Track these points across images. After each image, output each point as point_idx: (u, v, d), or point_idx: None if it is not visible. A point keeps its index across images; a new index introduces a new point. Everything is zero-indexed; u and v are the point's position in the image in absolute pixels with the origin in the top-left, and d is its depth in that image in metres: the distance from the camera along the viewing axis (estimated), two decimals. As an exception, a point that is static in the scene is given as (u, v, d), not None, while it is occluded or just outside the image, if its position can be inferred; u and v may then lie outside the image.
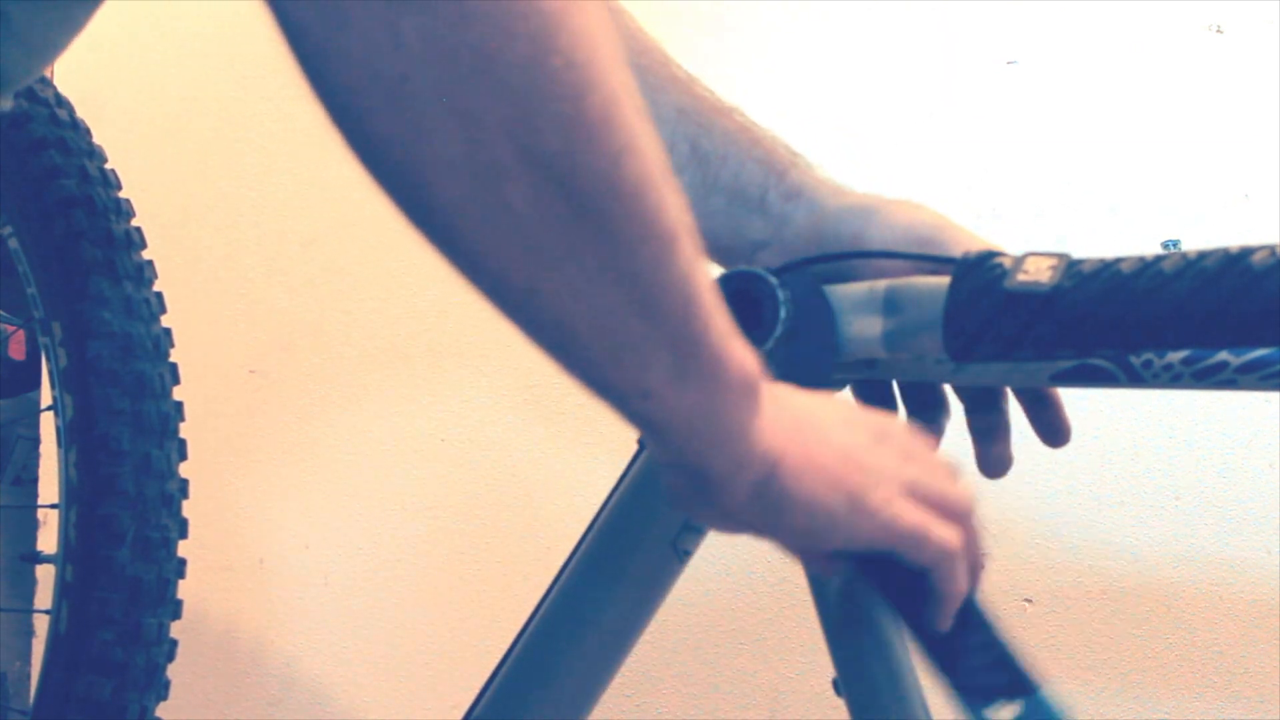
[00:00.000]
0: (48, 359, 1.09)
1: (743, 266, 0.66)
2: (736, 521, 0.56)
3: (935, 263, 0.65)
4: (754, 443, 0.52)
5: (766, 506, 0.54)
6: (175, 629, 1.12)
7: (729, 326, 0.50)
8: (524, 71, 0.40)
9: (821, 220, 0.70)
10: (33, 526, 1.54)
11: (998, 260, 0.61)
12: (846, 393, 0.73)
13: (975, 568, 0.61)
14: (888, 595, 0.62)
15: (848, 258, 0.69)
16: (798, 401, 0.56)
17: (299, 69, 0.41)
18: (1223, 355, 0.59)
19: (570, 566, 0.73)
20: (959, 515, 0.59)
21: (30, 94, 1.15)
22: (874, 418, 0.61)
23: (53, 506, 1.12)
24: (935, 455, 0.61)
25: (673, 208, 0.46)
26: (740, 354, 0.51)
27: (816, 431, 0.55)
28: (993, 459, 0.71)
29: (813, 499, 0.54)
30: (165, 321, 1.14)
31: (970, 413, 0.71)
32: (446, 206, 0.42)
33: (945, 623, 0.60)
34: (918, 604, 0.60)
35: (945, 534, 0.57)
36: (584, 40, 0.40)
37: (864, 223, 0.69)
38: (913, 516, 0.57)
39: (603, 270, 0.45)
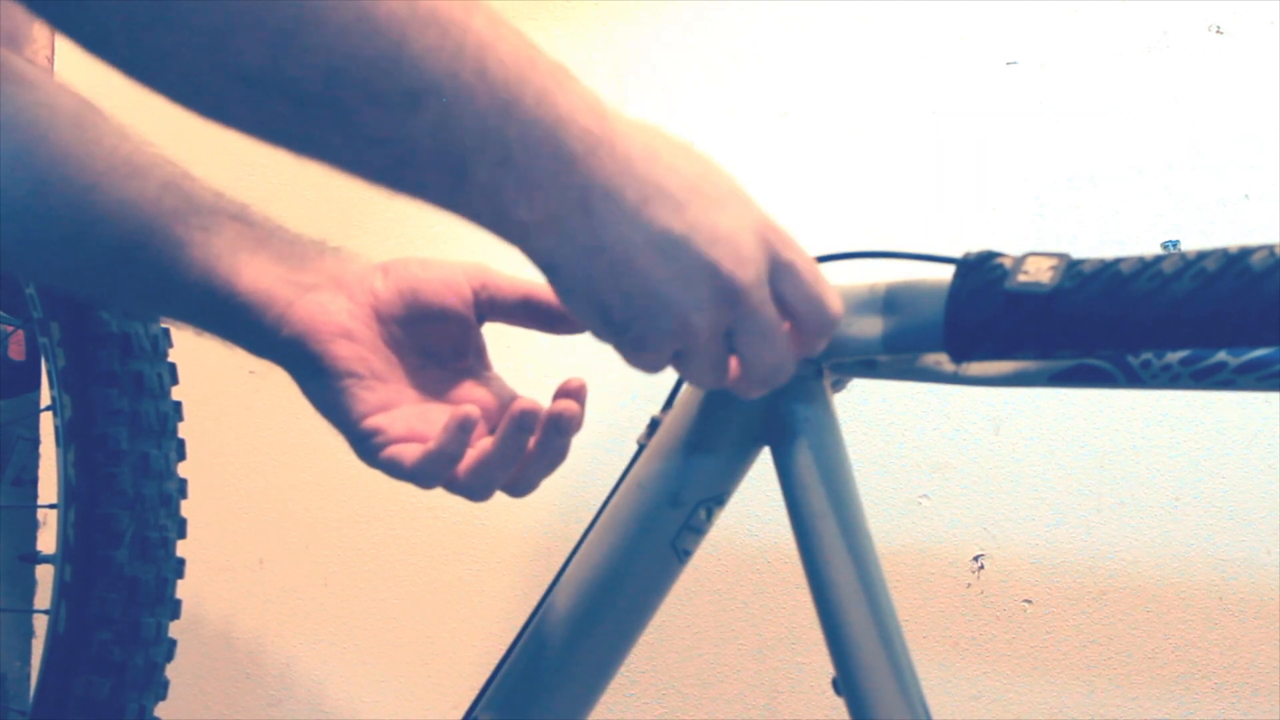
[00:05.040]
0: (46, 359, 1.09)
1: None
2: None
3: (936, 263, 0.65)
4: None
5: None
6: (174, 629, 1.12)
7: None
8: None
9: None
10: (33, 526, 1.54)
11: (998, 261, 0.61)
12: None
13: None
14: None
15: (848, 258, 0.69)
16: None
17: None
18: (1221, 356, 0.59)
19: (570, 566, 0.73)
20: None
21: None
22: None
23: (51, 506, 1.12)
24: None
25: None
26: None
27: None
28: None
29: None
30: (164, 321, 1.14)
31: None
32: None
33: None
34: None
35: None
36: None
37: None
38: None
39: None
